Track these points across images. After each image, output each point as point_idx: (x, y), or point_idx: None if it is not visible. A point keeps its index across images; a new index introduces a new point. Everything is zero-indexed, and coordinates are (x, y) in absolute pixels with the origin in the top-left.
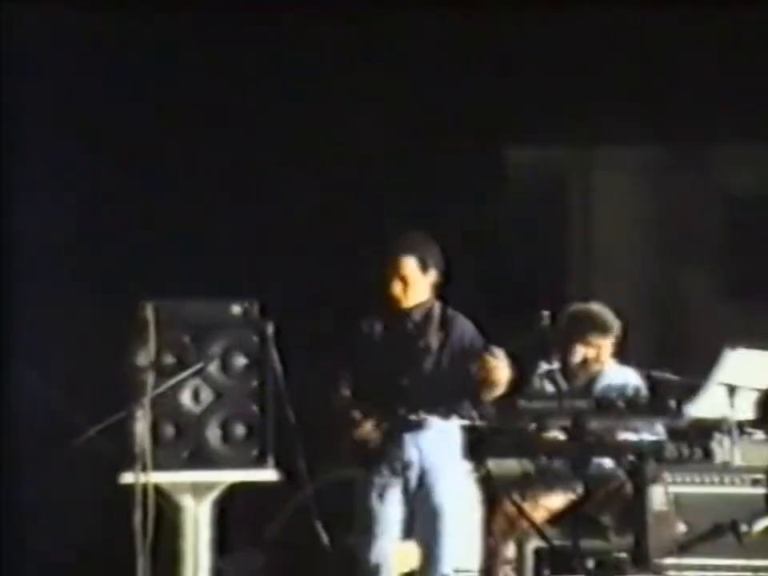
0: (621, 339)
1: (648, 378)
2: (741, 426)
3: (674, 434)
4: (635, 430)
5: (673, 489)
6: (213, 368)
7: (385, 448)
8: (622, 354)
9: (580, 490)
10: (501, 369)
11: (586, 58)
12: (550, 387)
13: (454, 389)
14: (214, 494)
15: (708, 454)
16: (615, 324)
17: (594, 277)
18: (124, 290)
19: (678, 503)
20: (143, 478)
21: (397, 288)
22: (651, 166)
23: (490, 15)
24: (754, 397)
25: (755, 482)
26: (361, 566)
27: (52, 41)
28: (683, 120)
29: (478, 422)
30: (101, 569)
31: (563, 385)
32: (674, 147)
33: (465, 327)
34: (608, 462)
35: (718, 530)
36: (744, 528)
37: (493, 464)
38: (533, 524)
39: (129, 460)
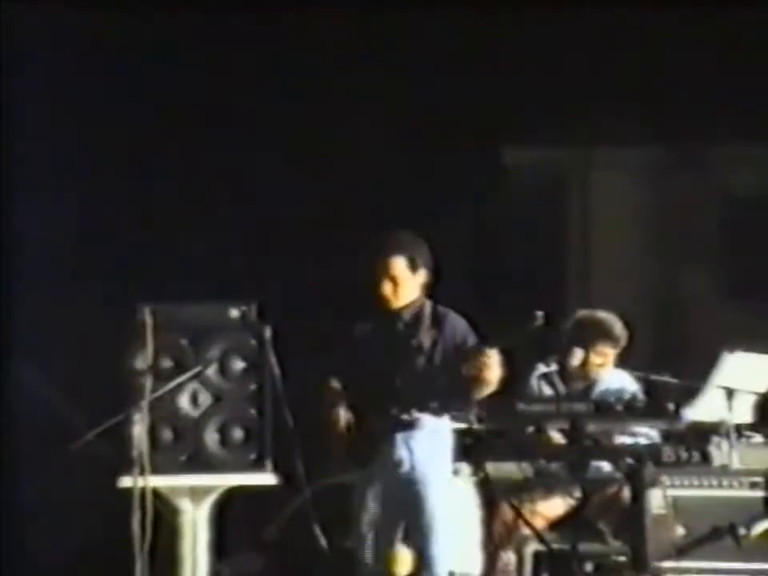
0: (626, 348)
1: (646, 381)
2: (739, 429)
3: (672, 437)
4: (633, 434)
5: (671, 492)
6: (211, 371)
7: (376, 448)
8: (620, 356)
9: (578, 493)
10: (492, 367)
11: (585, 58)
12: (547, 390)
13: (447, 387)
14: (212, 498)
15: (706, 457)
16: (624, 335)
17: (593, 277)
18: (122, 292)
19: (677, 506)
20: (141, 481)
21: (387, 288)
22: (651, 166)
23: (489, 15)
24: (752, 400)
25: (753, 485)
26: (359, 568)
27: (52, 41)
28: (683, 120)
29: (476, 425)
30: (99, 572)
31: (561, 388)
32: (673, 147)
33: (457, 324)
34: (606, 466)
35: (717, 534)
36: (742, 531)
37: (491, 467)
38: (531, 527)
39: (127, 464)
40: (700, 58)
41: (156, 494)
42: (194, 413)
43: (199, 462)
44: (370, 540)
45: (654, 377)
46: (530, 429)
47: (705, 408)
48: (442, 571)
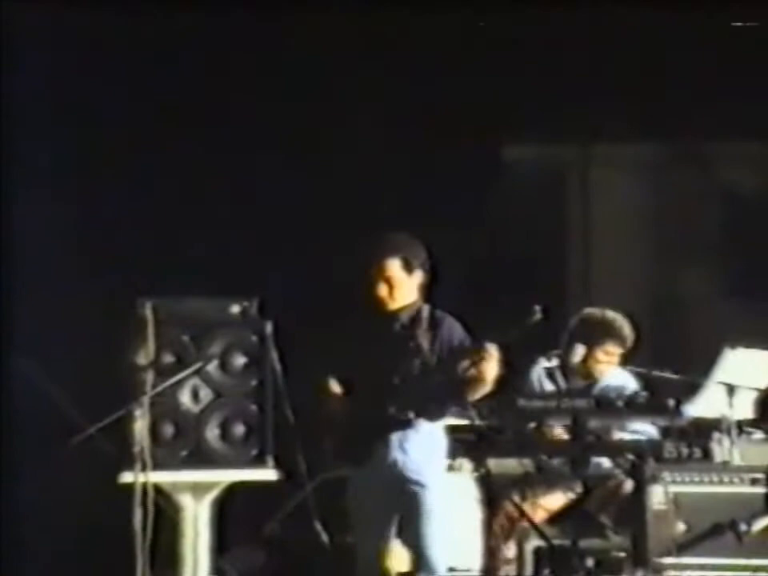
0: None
1: (647, 377)
2: (740, 425)
3: (673, 433)
4: (634, 431)
5: (672, 488)
6: (212, 367)
7: (372, 447)
8: (623, 356)
9: (579, 489)
10: (491, 362)
11: (585, 56)
12: (548, 384)
13: (444, 387)
14: (213, 494)
15: (707, 454)
16: (632, 336)
17: (593, 274)
18: (123, 288)
19: (678, 502)
20: (142, 477)
21: (382, 290)
22: (651, 164)
23: (490, 15)
24: (753, 396)
25: (754, 482)
26: (359, 564)
27: (52, 41)
28: (683, 118)
29: (477, 421)
30: (100, 568)
31: (562, 384)
32: (673, 145)
33: (453, 328)
34: (607, 462)
35: (718, 530)
36: (743, 527)
37: (493, 463)
38: (532, 523)
39: (128, 459)
40: (700, 57)
41: (157, 489)
42: (196, 408)
43: (200, 458)
44: (365, 537)
45: (655, 373)
46: (532, 425)
47: (706, 404)
48: (441, 570)
